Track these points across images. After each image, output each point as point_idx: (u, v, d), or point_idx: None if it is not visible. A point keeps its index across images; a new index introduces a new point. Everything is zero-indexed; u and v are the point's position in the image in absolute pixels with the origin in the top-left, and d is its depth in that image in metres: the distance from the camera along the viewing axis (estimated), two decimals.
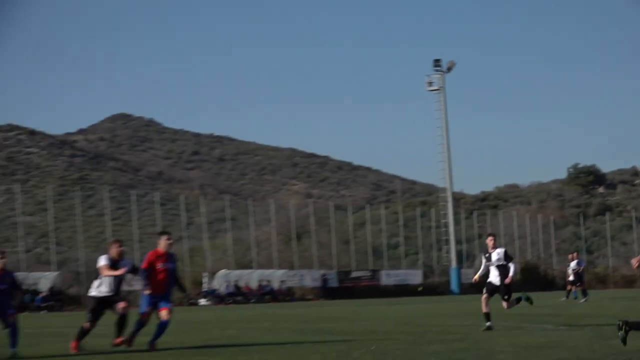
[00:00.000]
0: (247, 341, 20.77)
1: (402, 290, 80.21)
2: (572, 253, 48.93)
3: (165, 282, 18.86)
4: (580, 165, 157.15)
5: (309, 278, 78.81)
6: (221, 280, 72.29)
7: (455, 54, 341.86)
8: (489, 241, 23.14)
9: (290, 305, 61.72)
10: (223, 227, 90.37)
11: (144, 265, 18.90)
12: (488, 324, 22.15)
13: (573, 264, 46.57)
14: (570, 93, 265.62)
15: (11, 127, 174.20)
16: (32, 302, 60.24)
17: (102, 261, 19.01)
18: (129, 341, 18.78)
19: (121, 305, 18.75)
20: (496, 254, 22.83)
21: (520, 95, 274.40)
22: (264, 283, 73.97)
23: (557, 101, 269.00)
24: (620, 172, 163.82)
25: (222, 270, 75.14)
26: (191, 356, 16.75)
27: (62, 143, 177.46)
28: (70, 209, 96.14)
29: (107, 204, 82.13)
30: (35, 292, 62.61)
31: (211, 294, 69.46)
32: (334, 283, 79.57)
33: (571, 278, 46.75)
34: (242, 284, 72.98)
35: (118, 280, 19.04)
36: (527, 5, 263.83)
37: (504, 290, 22.71)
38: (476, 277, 24.05)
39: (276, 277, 76.30)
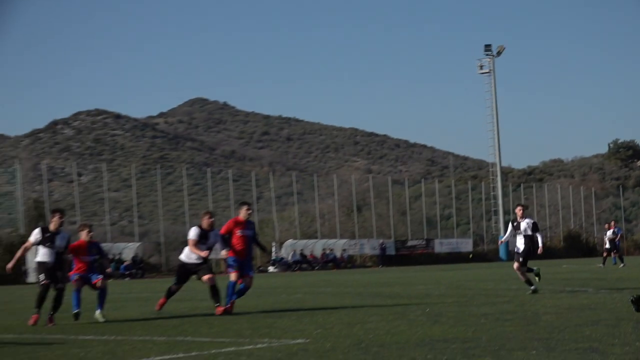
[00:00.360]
0: (311, 305, 20.77)
1: (454, 258, 79.95)
2: (609, 222, 48.09)
3: (245, 248, 18.62)
4: (620, 141, 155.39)
5: (369, 247, 78.82)
6: (288, 249, 72.53)
7: (504, 39, 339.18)
8: (518, 211, 22.74)
9: (351, 271, 61.75)
10: (290, 201, 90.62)
11: (222, 230, 18.57)
12: (533, 287, 21.91)
13: (609, 233, 45.87)
14: (611, 73, 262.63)
15: (98, 112, 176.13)
16: (116, 270, 60.72)
17: (192, 235, 18.37)
18: (230, 307, 18.20)
19: (206, 277, 18.13)
20: (525, 224, 22.34)
21: (563, 76, 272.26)
22: (328, 251, 74.07)
23: (598, 81, 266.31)
24: None
25: (289, 240, 75.42)
26: (262, 318, 16.79)
27: (144, 125, 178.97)
28: (152, 186, 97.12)
29: (184, 180, 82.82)
30: (120, 261, 63.16)
31: (279, 262, 69.70)
32: (391, 251, 79.49)
33: (607, 246, 46.11)
34: (307, 252, 73.14)
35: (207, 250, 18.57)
36: None
37: (524, 255, 22.25)
38: (502, 240, 24.74)
39: (338, 246, 76.38)
